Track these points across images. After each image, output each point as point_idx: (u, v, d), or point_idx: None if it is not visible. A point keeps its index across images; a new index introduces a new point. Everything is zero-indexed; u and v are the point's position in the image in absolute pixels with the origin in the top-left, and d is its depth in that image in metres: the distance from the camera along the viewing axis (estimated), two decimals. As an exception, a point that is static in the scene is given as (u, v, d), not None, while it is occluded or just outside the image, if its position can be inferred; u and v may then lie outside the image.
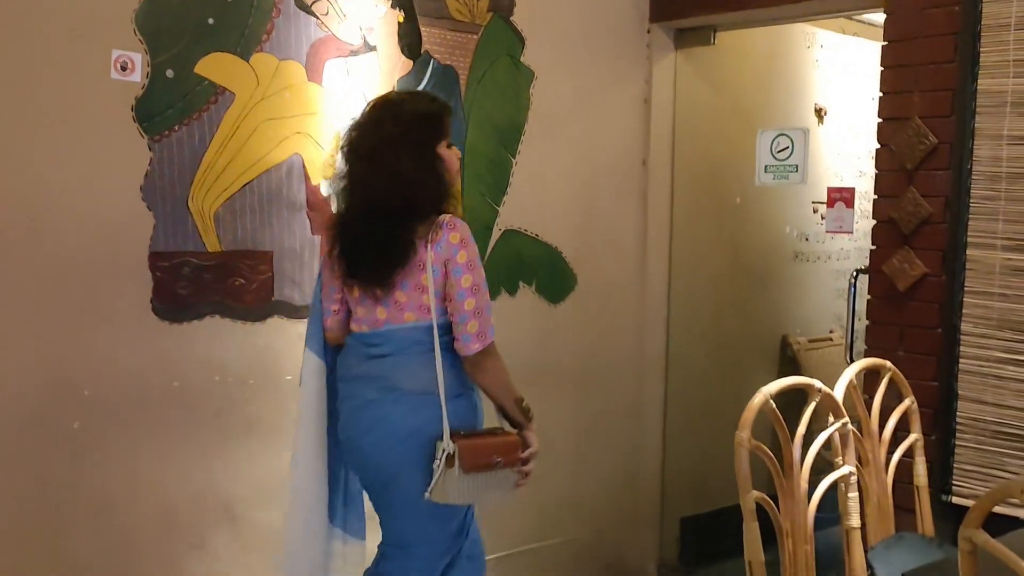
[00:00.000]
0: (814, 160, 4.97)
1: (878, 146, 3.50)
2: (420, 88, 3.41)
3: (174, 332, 2.93)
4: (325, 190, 3.20)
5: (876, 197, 3.50)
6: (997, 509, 1.68)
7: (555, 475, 3.94)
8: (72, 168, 2.75)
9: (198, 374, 2.99)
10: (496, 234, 3.70)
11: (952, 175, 3.29)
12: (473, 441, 2.60)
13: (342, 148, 2.66)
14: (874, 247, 3.52)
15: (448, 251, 2.55)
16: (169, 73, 2.88)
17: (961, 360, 3.29)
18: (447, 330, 2.62)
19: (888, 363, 3.09)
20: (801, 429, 2.71)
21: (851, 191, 3.74)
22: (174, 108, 2.89)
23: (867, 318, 3.55)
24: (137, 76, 2.82)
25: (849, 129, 5.11)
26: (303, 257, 3.18)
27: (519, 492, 2.75)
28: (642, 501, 4.27)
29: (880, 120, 3.49)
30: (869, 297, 3.54)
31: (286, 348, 3.16)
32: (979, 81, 3.23)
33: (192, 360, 2.97)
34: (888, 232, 3.46)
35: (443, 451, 2.54)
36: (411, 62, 3.39)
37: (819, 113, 4.96)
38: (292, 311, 3.17)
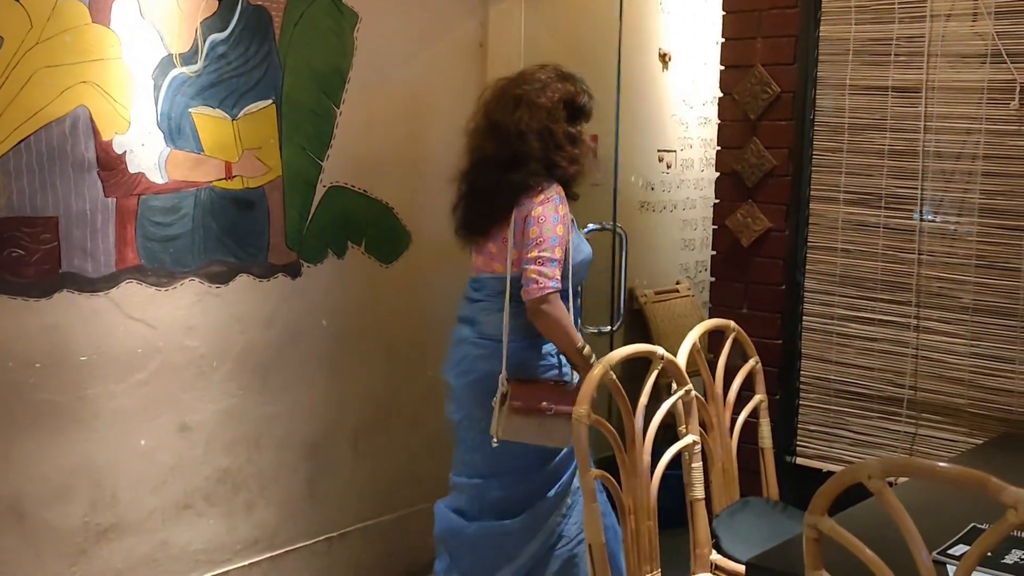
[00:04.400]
0: (658, 108, 4.84)
1: (720, 94, 3.35)
2: (230, 31, 3.08)
3: (-60, 313, 2.56)
4: (119, 147, 2.85)
5: (719, 148, 3.36)
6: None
7: (392, 446, 3.73)
8: None
9: (-28, 359, 2.63)
10: (320, 191, 3.41)
11: (795, 126, 3.18)
12: (527, 386, 2.83)
13: None
14: (717, 200, 3.40)
15: (528, 208, 2.80)
16: (-79, 14, 2.47)
17: (805, 317, 3.22)
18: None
19: (732, 323, 2.99)
20: (643, 400, 2.56)
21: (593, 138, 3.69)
22: (-71, 55, 2.49)
23: (711, 274, 3.44)
24: None
25: (693, 75, 4.98)
26: (95, 223, 2.82)
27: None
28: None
29: (723, 68, 3.35)
30: (713, 253, 3.42)
31: (79, 325, 2.82)
32: (821, 28, 3.12)
33: (-35, 343, 2.61)
34: (731, 185, 3.33)
35: (499, 391, 2.80)
36: (216, 2, 3.04)
37: (663, 59, 4.80)
38: (85, 284, 2.82)
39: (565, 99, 2.93)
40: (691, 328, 2.89)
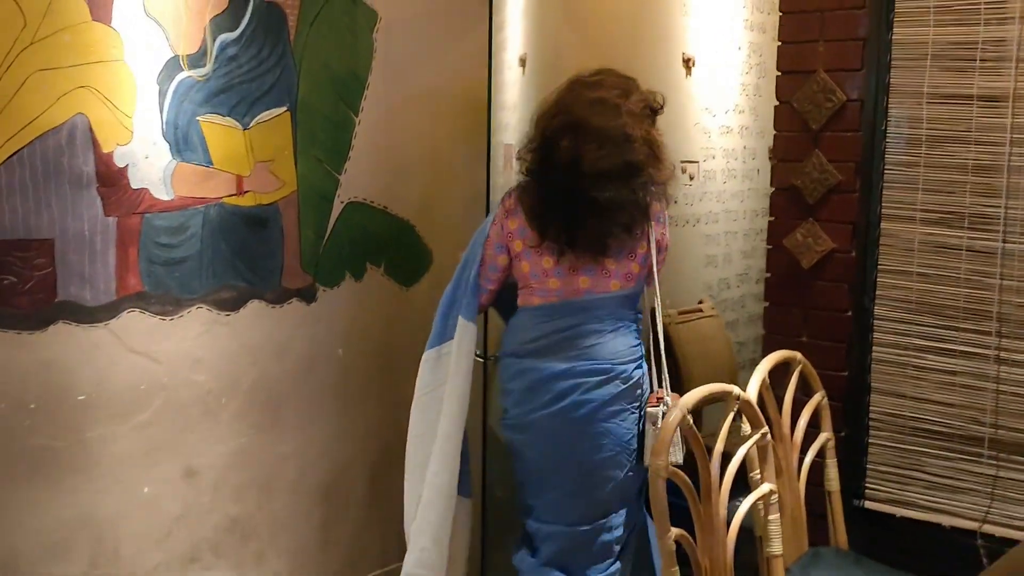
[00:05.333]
0: (681, 116, 4.57)
1: (777, 103, 3.09)
2: (242, 30, 2.77)
3: (-79, 350, 2.24)
4: (120, 159, 2.53)
5: (775, 161, 3.10)
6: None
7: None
8: None
9: (-42, 401, 2.30)
10: (337, 208, 3.10)
11: (864, 137, 2.92)
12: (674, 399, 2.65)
13: None
14: (772, 218, 3.13)
15: (664, 224, 2.78)
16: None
17: (875, 348, 2.95)
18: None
19: (799, 355, 2.72)
20: (719, 446, 2.29)
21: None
22: (-92, 55, 2.17)
23: (766, 299, 3.17)
24: None
25: (716, 81, 4.72)
26: (94, 245, 2.51)
27: None
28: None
29: (779, 73, 3.08)
30: (768, 275, 3.15)
31: (77, 361, 2.50)
32: (894, 30, 2.85)
33: (-51, 384, 2.29)
34: (789, 201, 3.07)
35: (660, 410, 2.63)
36: (227, -1, 2.73)
37: (687, 64, 4.53)
38: (83, 314, 2.50)
39: (647, 104, 2.69)
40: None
